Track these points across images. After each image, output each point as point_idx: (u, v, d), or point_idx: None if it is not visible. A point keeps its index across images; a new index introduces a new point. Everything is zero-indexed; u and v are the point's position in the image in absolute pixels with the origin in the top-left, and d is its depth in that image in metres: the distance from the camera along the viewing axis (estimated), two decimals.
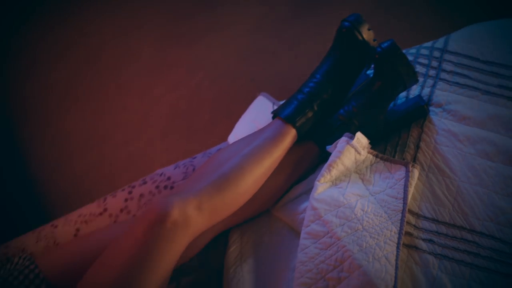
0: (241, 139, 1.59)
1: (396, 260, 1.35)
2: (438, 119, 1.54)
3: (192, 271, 1.57)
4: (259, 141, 1.51)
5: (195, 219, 1.37)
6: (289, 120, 1.53)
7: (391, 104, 1.60)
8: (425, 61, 1.64)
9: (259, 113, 1.70)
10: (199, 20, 2.73)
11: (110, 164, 2.50)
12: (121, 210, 1.64)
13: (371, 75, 1.59)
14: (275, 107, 1.66)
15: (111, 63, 2.69)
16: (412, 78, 1.50)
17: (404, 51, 1.64)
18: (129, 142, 2.51)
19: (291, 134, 1.53)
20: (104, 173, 2.48)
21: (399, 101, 1.61)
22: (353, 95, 1.58)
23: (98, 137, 2.55)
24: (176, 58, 2.66)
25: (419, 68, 1.62)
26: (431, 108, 1.57)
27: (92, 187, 2.45)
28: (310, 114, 1.55)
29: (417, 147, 1.52)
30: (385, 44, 1.49)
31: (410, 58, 1.65)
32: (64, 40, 2.77)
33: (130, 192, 1.66)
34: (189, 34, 2.70)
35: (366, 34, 1.55)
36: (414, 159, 1.51)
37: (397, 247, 1.37)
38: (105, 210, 1.65)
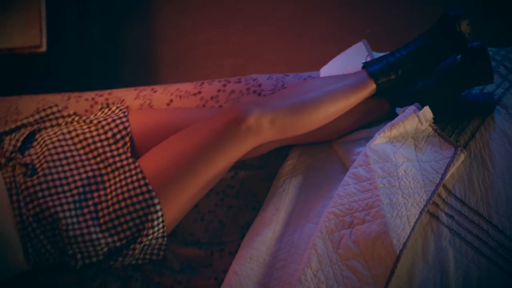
0: (328, 76, 1.82)
1: (415, 222, 1.58)
2: (500, 119, 1.72)
3: (250, 168, 1.84)
4: (342, 84, 1.74)
5: (266, 130, 1.63)
6: (373, 75, 1.75)
7: (465, 92, 1.78)
8: (509, 65, 1.80)
9: (353, 58, 1.90)
10: None
11: (220, 55, 2.77)
12: (212, 98, 1.90)
13: (457, 60, 1.77)
14: (368, 59, 1.86)
15: None
16: (488, 79, 1.69)
17: (495, 49, 1.81)
18: (248, 42, 2.77)
19: (370, 88, 1.75)
20: (212, 59, 2.77)
21: (473, 91, 1.79)
22: (435, 73, 1.77)
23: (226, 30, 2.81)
24: None
25: (501, 69, 1.79)
26: (497, 107, 1.74)
27: (198, 69, 2.75)
28: (392, 77, 1.76)
29: (472, 135, 1.71)
30: (476, 43, 1.68)
31: (498, 58, 1.81)
32: None
33: (224, 85, 1.92)
34: None
35: (464, 27, 1.72)
36: (466, 145, 1.70)
37: (420, 212, 1.60)
38: (199, 92, 1.91)
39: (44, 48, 1.98)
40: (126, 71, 2.71)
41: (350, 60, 1.90)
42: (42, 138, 1.74)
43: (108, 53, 2.72)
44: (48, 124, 1.82)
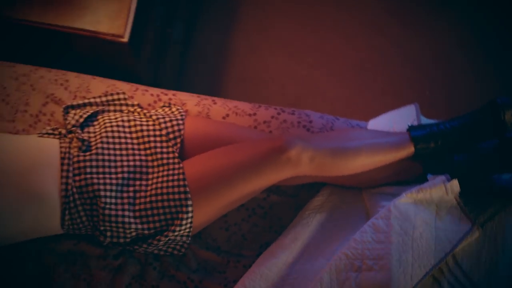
0: (374, 130, 1.95)
1: (417, 282, 1.69)
2: None
3: (283, 194, 1.97)
4: (384, 141, 1.87)
5: (304, 165, 1.77)
6: (414, 140, 1.87)
7: (496, 175, 1.88)
8: None
9: (402, 118, 2.02)
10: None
11: (285, 82, 2.91)
12: (264, 122, 2.04)
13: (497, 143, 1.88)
14: (415, 123, 1.98)
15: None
16: None
17: None
18: (315, 77, 2.91)
19: (408, 151, 1.87)
20: (277, 83, 2.90)
21: (504, 176, 1.88)
22: (473, 150, 1.87)
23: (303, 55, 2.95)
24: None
25: None
26: None
27: (261, 88, 2.89)
28: (432, 145, 1.88)
29: (492, 216, 1.81)
30: None
31: None
32: None
33: (278, 113, 2.05)
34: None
35: (508, 117, 1.83)
36: (483, 224, 1.80)
37: (425, 275, 1.71)
38: (255, 114, 2.05)
39: (126, 39, 2.11)
40: (195, 76, 2.86)
41: (398, 119, 2.02)
42: (103, 120, 1.89)
43: (183, 56, 2.87)
44: (112, 108, 1.97)
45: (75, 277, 1.87)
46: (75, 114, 1.92)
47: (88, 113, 1.91)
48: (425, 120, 2.01)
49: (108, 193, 1.77)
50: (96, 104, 1.97)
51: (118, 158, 1.82)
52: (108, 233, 1.78)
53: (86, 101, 1.97)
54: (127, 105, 1.98)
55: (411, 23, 2.96)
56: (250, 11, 2.98)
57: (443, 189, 1.80)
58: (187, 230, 1.78)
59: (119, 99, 1.99)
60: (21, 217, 1.74)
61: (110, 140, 1.83)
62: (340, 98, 2.86)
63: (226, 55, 2.93)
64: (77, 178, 1.77)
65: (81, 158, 1.79)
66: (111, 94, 1.99)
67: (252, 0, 2.99)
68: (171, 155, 1.83)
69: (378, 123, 2.04)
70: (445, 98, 2.82)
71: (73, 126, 1.87)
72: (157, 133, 1.86)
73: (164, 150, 1.84)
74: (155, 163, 1.83)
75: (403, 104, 2.09)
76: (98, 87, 2.05)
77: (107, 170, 1.79)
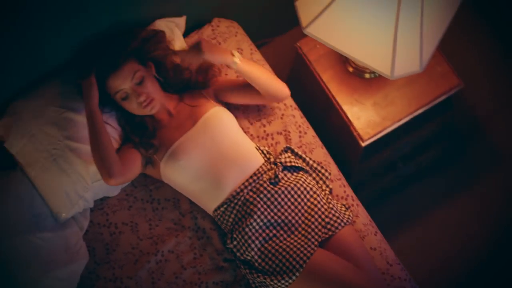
0: None
1: None
2: None
3: None
4: None
5: None
6: None
7: None
8: None
9: None
10: None
11: None
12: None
13: None
14: None
15: None
16: None
17: None
18: None
19: None
20: None
21: None
22: None
23: None
24: None
25: None
26: None
27: None
28: None
29: None
30: None
31: None
32: None
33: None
34: None
35: None
36: None
37: None
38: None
39: (363, 145, 2.48)
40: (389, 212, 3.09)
41: None
42: (301, 177, 2.31)
43: (393, 191, 3.11)
44: (314, 175, 2.38)
45: (192, 247, 2.35)
46: (289, 156, 2.36)
47: (296, 164, 2.34)
48: None
49: (258, 220, 2.21)
50: (306, 163, 2.38)
51: (285, 207, 2.24)
52: (235, 242, 2.22)
53: (303, 155, 2.39)
54: (324, 182, 2.38)
55: None
56: None
57: None
58: (281, 287, 2.16)
59: (323, 174, 2.39)
60: (200, 183, 2.26)
61: (292, 192, 2.25)
62: None
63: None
64: (250, 193, 2.23)
65: (265, 185, 2.24)
66: (322, 167, 2.39)
67: None
68: (315, 237, 2.21)
69: None
70: None
71: (280, 162, 2.32)
72: (322, 216, 2.25)
73: (316, 230, 2.23)
74: (303, 232, 2.23)
75: None
76: (319, 155, 2.47)
77: (272, 207, 2.23)
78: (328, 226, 2.25)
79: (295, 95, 2.53)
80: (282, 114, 2.49)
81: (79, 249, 2.30)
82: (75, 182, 2.28)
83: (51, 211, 2.30)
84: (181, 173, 2.25)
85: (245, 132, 2.42)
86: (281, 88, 2.35)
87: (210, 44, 2.20)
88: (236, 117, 2.40)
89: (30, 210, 2.27)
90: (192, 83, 2.38)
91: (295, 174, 2.32)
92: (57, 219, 2.29)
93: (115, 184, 2.19)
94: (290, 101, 2.51)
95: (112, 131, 2.31)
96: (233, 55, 2.21)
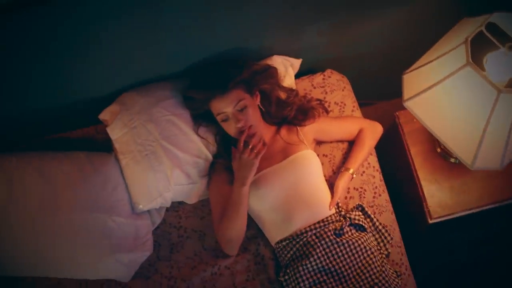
0: None
1: None
2: None
3: None
4: None
5: None
6: None
7: None
8: None
9: None
10: None
11: None
12: None
13: None
14: None
15: None
16: None
17: None
18: None
19: None
20: None
21: None
22: None
23: None
24: None
25: None
26: None
27: None
28: None
29: None
30: None
31: None
32: None
33: None
34: None
35: None
36: None
37: None
38: None
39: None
40: None
41: None
42: (364, 236, 2.40)
43: None
44: (377, 236, 2.47)
45: (247, 269, 2.48)
46: (358, 215, 2.46)
47: (363, 225, 2.43)
48: None
49: (313, 263, 2.31)
50: (373, 223, 2.48)
51: (341, 258, 2.33)
52: (286, 277, 2.35)
53: (372, 215, 2.49)
54: (384, 245, 2.47)
55: None
56: None
57: None
58: None
59: (385, 237, 2.48)
60: (271, 214, 2.40)
61: (352, 247, 2.34)
62: None
63: None
64: (313, 237, 2.34)
65: (329, 234, 2.35)
66: (386, 230, 2.49)
67: None
68: None
69: None
70: None
71: (349, 218, 2.43)
72: (373, 276, 2.32)
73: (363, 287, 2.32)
74: (351, 286, 2.30)
75: None
76: (387, 219, 2.56)
77: (329, 254, 2.33)
78: (375, 287, 2.32)
79: (380, 157, 2.66)
80: (363, 172, 2.61)
81: (146, 241, 2.47)
82: (160, 180, 2.44)
83: (131, 200, 2.47)
84: (258, 200, 2.39)
85: (326, 180, 2.53)
86: (377, 138, 2.61)
87: (340, 195, 2.47)
88: (322, 163, 2.53)
89: (113, 193, 2.44)
90: (291, 118, 2.53)
91: (359, 232, 2.41)
92: (134, 209, 2.46)
93: (230, 254, 2.46)
94: (373, 162, 2.63)
95: (206, 144, 2.49)
96: (347, 170, 2.51)
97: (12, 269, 2.39)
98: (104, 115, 2.50)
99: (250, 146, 2.29)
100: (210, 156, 2.50)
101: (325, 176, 2.54)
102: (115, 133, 2.48)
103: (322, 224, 2.36)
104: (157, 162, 2.44)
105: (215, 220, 2.40)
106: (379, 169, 2.65)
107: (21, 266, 2.38)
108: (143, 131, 2.46)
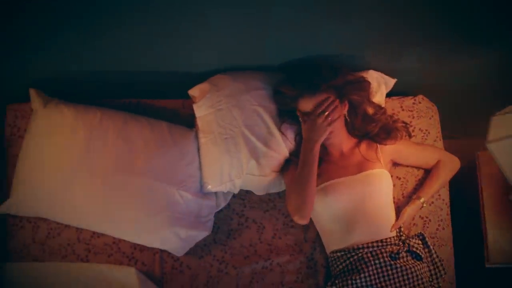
0: None
1: None
2: None
3: None
4: None
5: None
6: None
7: None
8: None
9: None
10: None
11: None
12: None
13: None
14: None
15: None
16: None
17: None
18: None
19: None
20: None
21: None
22: None
23: None
24: None
25: None
26: None
27: None
28: None
29: None
30: None
31: None
32: None
33: None
34: None
35: None
36: None
37: None
38: None
39: None
40: None
41: None
42: (418, 266, 2.40)
43: None
44: (431, 267, 2.46)
45: (298, 270, 2.51)
46: (418, 244, 2.46)
47: (420, 254, 2.43)
48: None
49: (363, 280, 2.35)
50: (430, 255, 2.47)
51: (392, 281, 2.35)
52: (334, 287, 2.39)
53: (431, 247, 2.48)
54: (436, 278, 2.45)
55: None
56: None
57: None
58: None
59: (439, 271, 2.46)
60: (333, 223, 2.44)
61: (404, 273, 2.35)
62: None
63: None
64: (369, 254, 2.37)
65: (384, 255, 2.37)
66: (441, 264, 2.47)
67: None
68: None
69: None
70: None
71: (408, 244, 2.43)
72: None
73: None
74: None
75: None
76: (445, 253, 2.57)
77: (380, 275, 2.35)
78: None
79: (453, 192, 2.66)
80: (432, 202, 2.61)
81: (206, 222, 2.52)
82: (233, 166, 2.48)
83: (201, 179, 2.52)
84: (323, 207, 2.42)
85: (394, 202, 2.54)
86: (454, 173, 2.61)
87: (405, 220, 2.49)
88: (394, 185, 2.55)
89: (186, 169, 2.50)
90: (373, 135, 2.54)
91: (414, 260, 2.41)
92: (202, 188, 2.51)
93: (302, 223, 2.40)
94: (444, 195, 2.64)
95: (286, 142, 2.52)
96: (418, 199, 2.53)
97: (77, 218, 2.47)
98: (194, 91, 2.55)
99: (326, 113, 2.33)
100: (286, 153, 2.53)
101: (394, 198, 2.56)
102: (201, 110, 2.53)
103: (380, 244, 2.38)
104: (234, 148, 2.48)
105: (287, 195, 2.45)
106: (448, 203, 2.64)
107: (85, 216, 2.46)
108: (228, 115, 2.50)
